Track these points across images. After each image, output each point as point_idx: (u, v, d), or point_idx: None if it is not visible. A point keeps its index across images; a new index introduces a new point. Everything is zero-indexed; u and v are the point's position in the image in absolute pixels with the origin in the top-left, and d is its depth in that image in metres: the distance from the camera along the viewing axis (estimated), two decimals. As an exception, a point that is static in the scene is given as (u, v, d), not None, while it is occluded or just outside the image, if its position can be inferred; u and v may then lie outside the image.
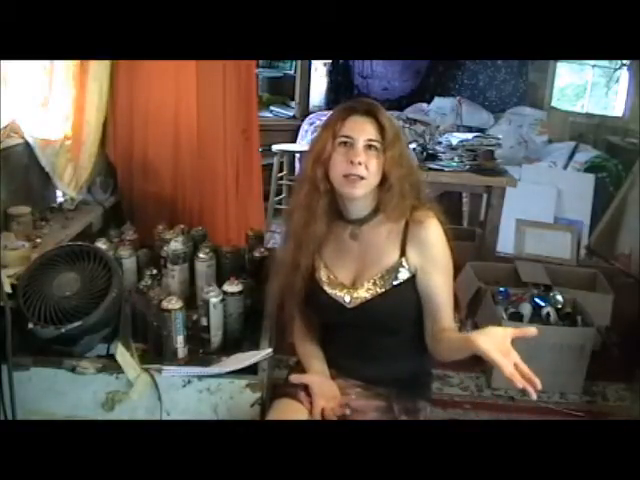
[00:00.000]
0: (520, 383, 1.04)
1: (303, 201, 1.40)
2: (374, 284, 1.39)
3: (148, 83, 2.47)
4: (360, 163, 1.31)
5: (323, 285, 1.43)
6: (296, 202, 1.43)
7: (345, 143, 1.33)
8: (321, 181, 1.37)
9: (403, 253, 1.38)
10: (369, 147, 1.33)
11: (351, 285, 1.42)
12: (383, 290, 1.38)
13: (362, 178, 1.32)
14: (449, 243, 1.39)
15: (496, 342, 1.10)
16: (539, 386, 1.05)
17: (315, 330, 1.53)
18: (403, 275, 1.38)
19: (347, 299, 1.41)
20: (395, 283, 1.38)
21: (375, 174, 1.33)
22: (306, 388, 1.42)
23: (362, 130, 1.33)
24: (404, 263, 1.38)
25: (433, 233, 1.37)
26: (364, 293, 1.39)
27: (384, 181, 1.35)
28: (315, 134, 1.43)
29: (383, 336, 1.43)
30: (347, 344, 1.46)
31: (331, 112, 1.42)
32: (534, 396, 1.05)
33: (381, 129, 1.33)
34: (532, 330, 1.14)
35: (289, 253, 1.44)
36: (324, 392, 1.39)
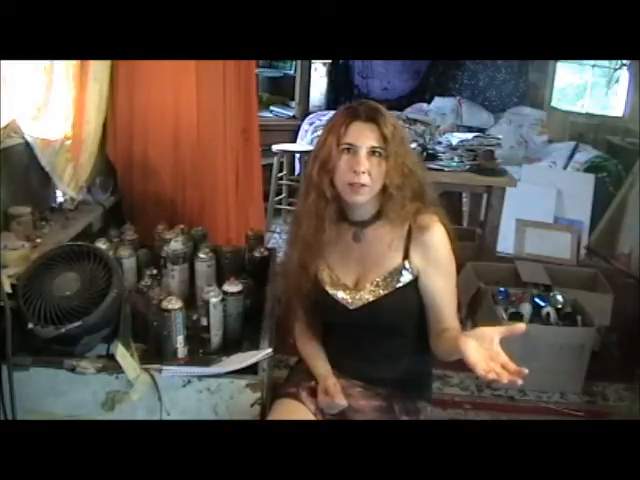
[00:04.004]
0: (506, 379, 1.03)
1: (311, 208, 1.40)
2: (377, 286, 1.39)
3: (148, 83, 2.46)
4: (364, 172, 1.31)
5: (325, 286, 1.43)
6: (304, 209, 1.42)
7: (348, 150, 1.33)
8: (328, 188, 1.37)
9: (406, 256, 1.38)
10: (372, 153, 1.33)
11: (354, 286, 1.42)
12: (386, 292, 1.38)
13: (366, 185, 1.32)
14: (454, 245, 1.39)
15: (483, 350, 1.09)
16: (525, 371, 1.03)
17: (318, 331, 1.53)
18: (406, 277, 1.38)
19: (349, 300, 1.41)
20: (398, 285, 1.38)
21: (378, 180, 1.34)
22: (308, 388, 1.43)
23: (365, 137, 1.32)
24: (407, 266, 1.37)
25: (437, 237, 1.37)
26: (367, 295, 1.39)
27: (385, 188, 1.35)
28: (319, 137, 1.42)
29: (384, 337, 1.43)
30: (348, 344, 1.46)
31: (334, 113, 1.41)
32: (519, 382, 1.03)
33: (384, 137, 1.32)
34: (520, 327, 1.14)
35: (296, 257, 1.44)
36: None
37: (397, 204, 1.36)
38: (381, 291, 1.38)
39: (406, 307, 1.40)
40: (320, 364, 1.46)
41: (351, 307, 1.41)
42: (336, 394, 1.37)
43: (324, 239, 1.40)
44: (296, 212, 1.53)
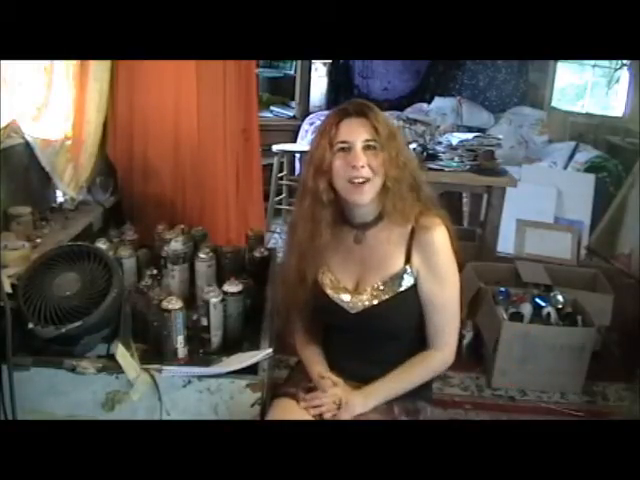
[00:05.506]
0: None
1: (307, 213, 1.38)
2: (378, 290, 1.38)
3: (148, 83, 2.46)
4: (363, 166, 1.30)
5: (326, 289, 1.43)
6: (300, 214, 1.41)
7: (343, 148, 1.32)
8: (324, 192, 1.35)
9: (408, 260, 1.37)
10: (368, 147, 1.32)
11: (354, 290, 1.41)
12: (387, 297, 1.37)
13: (368, 180, 1.31)
14: (455, 247, 1.38)
15: None
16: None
17: (318, 334, 1.52)
18: (407, 282, 1.37)
19: (350, 304, 1.40)
20: (399, 290, 1.37)
21: (378, 173, 1.32)
22: (307, 389, 1.42)
23: (357, 132, 1.32)
24: (409, 270, 1.37)
25: (438, 239, 1.35)
26: (368, 299, 1.38)
27: (383, 185, 1.34)
28: (312, 142, 1.41)
29: (385, 340, 1.42)
30: (348, 347, 1.46)
31: (325, 117, 1.40)
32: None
33: (376, 130, 1.31)
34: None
35: (294, 264, 1.43)
36: (328, 401, 1.37)
37: (396, 197, 1.34)
38: (382, 295, 1.37)
39: (408, 311, 1.39)
40: (319, 368, 1.45)
41: (352, 311, 1.40)
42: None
43: (321, 244, 1.39)
44: (292, 218, 1.51)
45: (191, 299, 1.85)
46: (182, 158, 2.56)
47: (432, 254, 1.35)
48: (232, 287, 1.69)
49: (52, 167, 2.13)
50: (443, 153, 3.10)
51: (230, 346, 1.66)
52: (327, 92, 5.34)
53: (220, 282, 1.75)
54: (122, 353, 1.46)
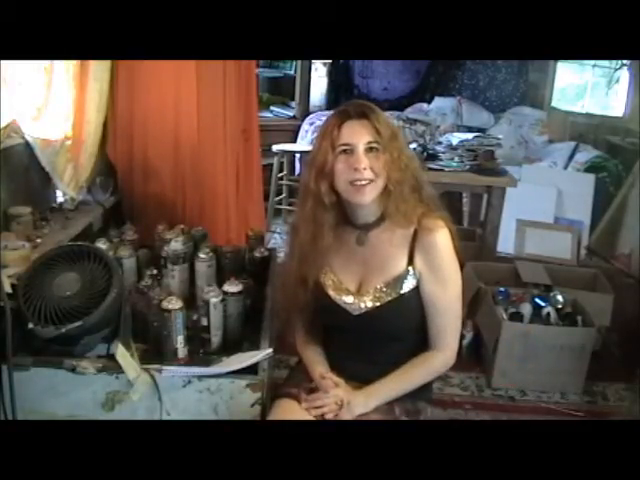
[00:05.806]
0: None
1: (309, 216, 1.38)
2: (380, 292, 1.37)
3: (148, 83, 2.47)
4: (365, 168, 1.30)
5: (328, 289, 1.42)
6: (302, 216, 1.41)
7: (345, 151, 1.32)
8: (326, 194, 1.35)
9: (411, 261, 1.37)
10: (370, 149, 1.32)
11: (356, 291, 1.40)
12: (389, 299, 1.37)
13: (370, 182, 1.31)
14: (456, 247, 1.37)
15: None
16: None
17: (318, 334, 1.52)
18: (410, 284, 1.37)
19: (352, 306, 1.40)
20: (402, 292, 1.37)
21: (380, 174, 1.32)
22: (308, 389, 1.42)
23: (360, 134, 1.31)
24: (411, 272, 1.36)
25: (441, 242, 1.35)
26: (370, 301, 1.38)
27: (385, 186, 1.34)
28: (313, 144, 1.41)
29: (387, 341, 1.42)
30: (350, 347, 1.45)
31: (326, 119, 1.40)
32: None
33: (378, 131, 1.31)
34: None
35: (295, 267, 1.43)
36: (330, 402, 1.36)
37: (398, 199, 1.34)
38: (385, 297, 1.37)
39: (410, 313, 1.39)
40: (320, 368, 1.45)
41: (354, 313, 1.40)
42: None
43: (323, 245, 1.39)
44: (294, 220, 1.51)
45: (191, 299, 1.85)
46: (182, 158, 2.57)
47: (435, 256, 1.35)
48: (232, 287, 1.69)
49: (52, 167, 2.14)
50: (443, 153, 3.10)
51: (230, 346, 1.66)
52: (327, 92, 5.34)
53: (220, 282, 1.75)
54: (122, 353, 1.46)
